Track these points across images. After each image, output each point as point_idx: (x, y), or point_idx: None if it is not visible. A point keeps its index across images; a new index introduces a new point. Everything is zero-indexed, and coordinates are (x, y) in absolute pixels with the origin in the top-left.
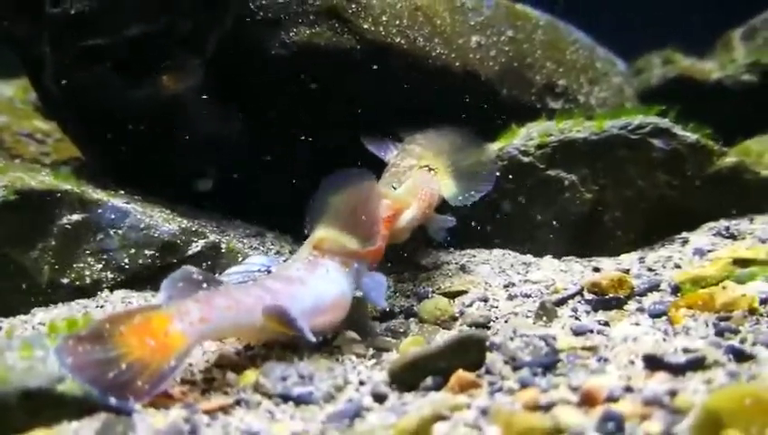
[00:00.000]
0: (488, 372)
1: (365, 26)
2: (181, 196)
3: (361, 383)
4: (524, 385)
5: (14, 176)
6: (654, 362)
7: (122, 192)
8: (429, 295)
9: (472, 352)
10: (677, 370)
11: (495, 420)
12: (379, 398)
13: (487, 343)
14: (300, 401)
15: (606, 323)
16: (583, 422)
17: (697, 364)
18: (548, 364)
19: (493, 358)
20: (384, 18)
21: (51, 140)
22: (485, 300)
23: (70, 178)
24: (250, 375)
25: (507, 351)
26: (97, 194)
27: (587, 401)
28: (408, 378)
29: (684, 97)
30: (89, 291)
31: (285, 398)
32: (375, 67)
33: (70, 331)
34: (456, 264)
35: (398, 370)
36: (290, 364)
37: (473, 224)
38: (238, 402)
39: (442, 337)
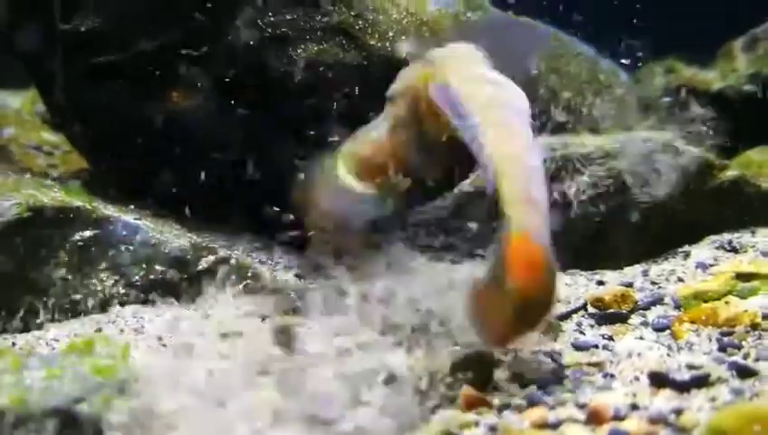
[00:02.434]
0: (495, 389)
1: (371, 42)
2: (189, 208)
3: None
4: (532, 403)
5: (27, 193)
6: (659, 379)
7: (132, 207)
8: None
9: (479, 369)
10: (682, 387)
11: None
12: None
13: (494, 360)
14: None
15: (610, 338)
16: None
17: (702, 382)
18: (555, 381)
19: (499, 375)
20: (390, 34)
21: (58, 152)
22: None
23: (81, 193)
24: None
25: (514, 367)
26: (108, 210)
27: (594, 419)
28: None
29: (684, 105)
30: (101, 307)
31: None
32: (382, 82)
33: (88, 350)
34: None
35: None
36: None
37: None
38: None
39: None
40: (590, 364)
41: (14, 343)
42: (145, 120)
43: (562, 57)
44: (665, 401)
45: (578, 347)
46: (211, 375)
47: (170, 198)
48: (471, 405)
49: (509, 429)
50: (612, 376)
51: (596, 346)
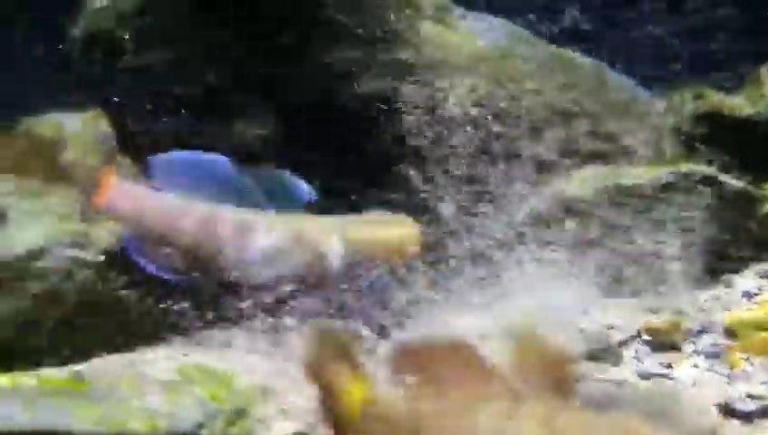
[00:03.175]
0: None
1: (429, 76)
2: None
3: None
4: None
5: None
6: (726, 410)
7: None
8: None
9: None
10: (748, 417)
11: None
12: None
13: None
14: None
15: (669, 366)
16: None
17: (766, 412)
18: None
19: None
20: (447, 70)
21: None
22: None
23: None
24: None
25: (589, 398)
26: None
27: None
28: None
29: (715, 134)
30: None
31: None
32: (437, 113)
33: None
34: None
35: None
36: None
37: None
38: None
39: None
40: None
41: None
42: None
43: (603, 87)
44: (735, 430)
45: (643, 376)
46: None
47: None
48: None
49: None
50: None
51: (658, 375)
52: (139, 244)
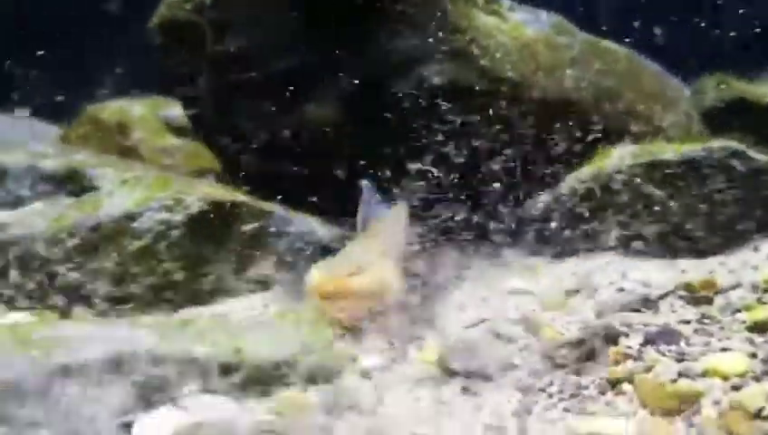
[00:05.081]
0: (629, 348)
1: (483, 63)
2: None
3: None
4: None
5: (205, 190)
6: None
7: (276, 204)
8: None
9: (612, 337)
10: None
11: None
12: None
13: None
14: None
15: (704, 315)
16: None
17: None
18: (677, 342)
19: (631, 341)
20: (498, 55)
21: (180, 154)
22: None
23: (239, 190)
24: None
25: (646, 335)
26: (265, 205)
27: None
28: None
29: (738, 118)
30: (266, 286)
31: None
32: (491, 98)
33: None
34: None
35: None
36: None
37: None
38: None
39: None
40: (696, 332)
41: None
42: (280, 130)
43: (637, 75)
44: None
45: (681, 321)
46: None
47: (296, 197)
48: (617, 361)
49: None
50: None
51: (697, 320)
52: None
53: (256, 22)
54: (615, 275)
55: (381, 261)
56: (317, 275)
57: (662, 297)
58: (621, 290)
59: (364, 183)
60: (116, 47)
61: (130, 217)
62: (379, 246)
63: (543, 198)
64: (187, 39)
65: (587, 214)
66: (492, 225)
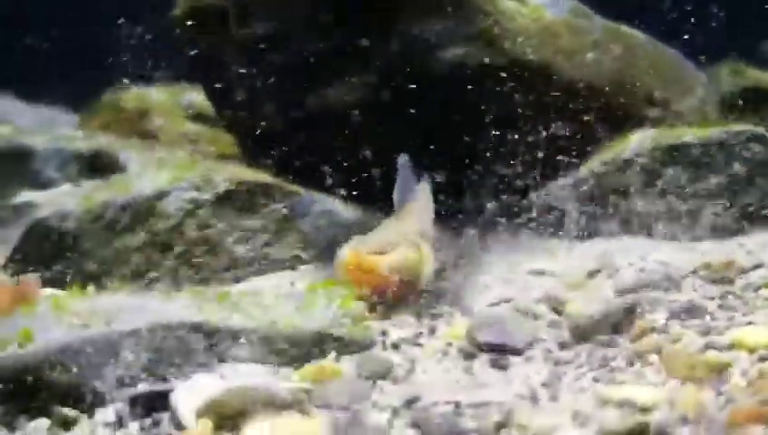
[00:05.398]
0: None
1: (506, 45)
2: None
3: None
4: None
5: (231, 170)
6: None
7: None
8: None
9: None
10: None
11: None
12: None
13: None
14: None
15: (726, 292)
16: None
17: None
18: (702, 316)
19: (656, 316)
20: (520, 38)
21: (200, 139)
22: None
23: (266, 172)
24: None
25: (670, 310)
26: (291, 186)
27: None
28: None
29: (753, 106)
30: (291, 265)
31: None
32: (514, 81)
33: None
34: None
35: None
36: None
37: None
38: None
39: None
40: (720, 307)
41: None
42: (307, 113)
43: (656, 60)
44: None
45: (704, 297)
46: None
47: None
48: (638, 336)
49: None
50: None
51: (720, 297)
52: None
53: (281, 5)
54: (635, 257)
55: (413, 241)
56: (347, 250)
57: (683, 278)
58: (642, 270)
59: (401, 160)
60: (133, 33)
61: (160, 196)
62: (412, 226)
63: (564, 181)
64: (211, 23)
65: (607, 197)
66: (513, 207)
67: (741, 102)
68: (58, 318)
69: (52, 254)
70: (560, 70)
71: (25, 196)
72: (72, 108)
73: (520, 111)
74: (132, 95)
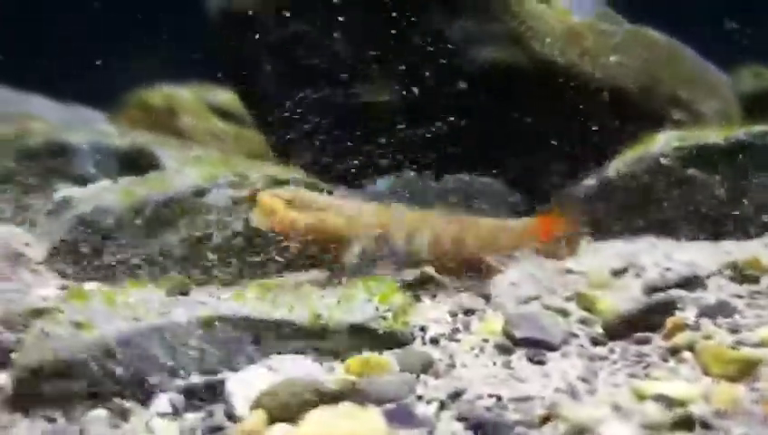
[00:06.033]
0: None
1: (535, 47)
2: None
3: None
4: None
5: (265, 168)
6: None
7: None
8: None
9: (667, 310)
10: None
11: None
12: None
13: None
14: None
15: (754, 292)
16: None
17: None
18: (731, 314)
19: (687, 313)
20: (548, 40)
21: (228, 138)
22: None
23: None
24: None
25: (700, 308)
26: (323, 184)
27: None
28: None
29: None
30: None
31: None
32: (541, 80)
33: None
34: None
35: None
36: None
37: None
38: None
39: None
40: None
41: None
42: (340, 113)
43: (679, 62)
44: None
45: (734, 296)
46: None
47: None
48: (672, 333)
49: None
50: None
51: (749, 295)
52: None
53: (313, 8)
54: (660, 256)
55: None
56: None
57: (709, 277)
58: (669, 269)
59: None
60: (163, 34)
61: (199, 192)
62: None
63: (589, 181)
64: (246, 25)
65: (632, 197)
66: (538, 207)
67: (763, 105)
68: (111, 311)
69: (95, 248)
70: (584, 71)
71: (65, 191)
72: (100, 106)
73: (544, 111)
74: (161, 94)
